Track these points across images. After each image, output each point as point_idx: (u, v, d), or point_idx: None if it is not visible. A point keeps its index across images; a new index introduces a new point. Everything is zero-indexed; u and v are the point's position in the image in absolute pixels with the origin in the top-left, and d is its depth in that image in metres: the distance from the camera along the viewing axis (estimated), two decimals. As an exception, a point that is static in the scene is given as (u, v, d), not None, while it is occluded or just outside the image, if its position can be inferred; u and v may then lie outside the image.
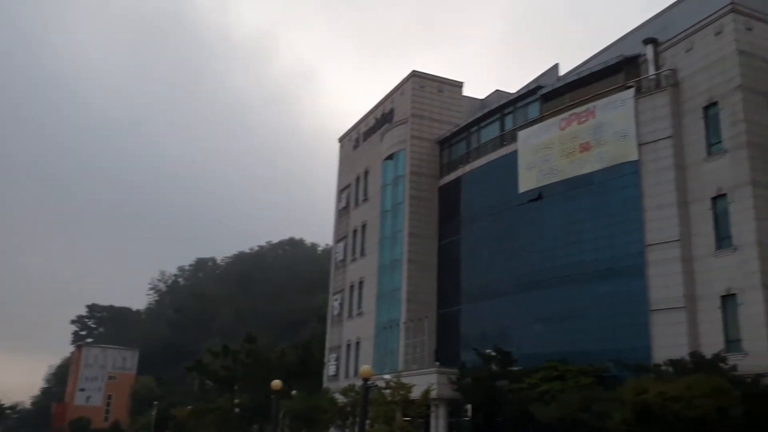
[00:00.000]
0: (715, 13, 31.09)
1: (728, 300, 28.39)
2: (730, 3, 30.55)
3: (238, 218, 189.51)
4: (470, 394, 34.27)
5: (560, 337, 34.61)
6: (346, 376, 50.07)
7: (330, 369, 54.11)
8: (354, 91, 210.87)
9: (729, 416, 23.41)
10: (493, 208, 41.59)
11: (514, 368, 33.76)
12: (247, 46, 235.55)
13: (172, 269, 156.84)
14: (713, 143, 30.55)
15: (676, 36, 32.99)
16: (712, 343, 28.02)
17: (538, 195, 37.76)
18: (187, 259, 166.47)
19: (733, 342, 27.90)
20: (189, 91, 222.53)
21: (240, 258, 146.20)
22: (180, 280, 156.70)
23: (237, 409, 56.07)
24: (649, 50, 33.94)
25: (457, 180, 45.51)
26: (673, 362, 26.97)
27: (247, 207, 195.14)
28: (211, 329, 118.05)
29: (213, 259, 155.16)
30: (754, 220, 27.94)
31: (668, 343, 29.31)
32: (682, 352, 27.83)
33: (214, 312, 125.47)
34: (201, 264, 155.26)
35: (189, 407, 64.36)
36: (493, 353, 34.79)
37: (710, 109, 30.88)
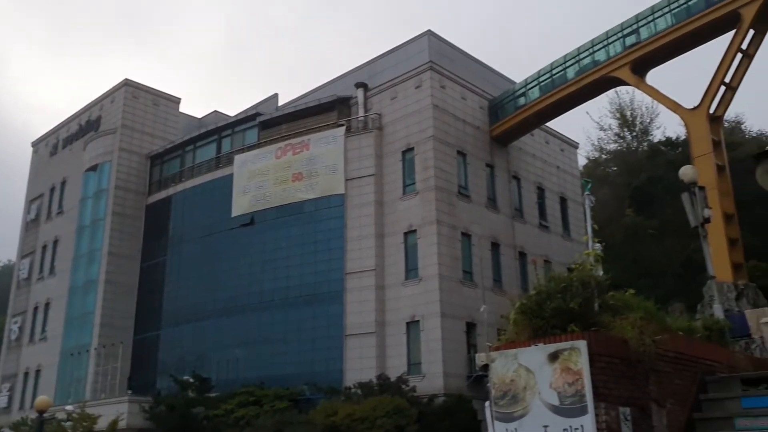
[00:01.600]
0: (417, 68, 34.77)
1: (412, 326, 31.38)
2: (429, 62, 34.43)
3: None
4: (164, 423, 32.68)
5: (261, 362, 34.88)
6: (21, 408, 44.34)
7: (1, 401, 47.49)
8: (44, 89, 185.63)
9: (406, 433, 25.66)
10: (204, 230, 40.70)
11: (212, 394, 33.13)
12: None
13: None
14: (408, 184, 33.88)
15: (383, 84, 36.12)
16: (397, 366, 30.62)
17: (250, 220, 37.94)
18: None
19: (414, 365, 30.81)
20: None
21: None
22: None
23: None
24: (359, 93, 36.64)
25: (168, 199, 43.73)
26: (362, 385, 28.84)
27: None
28: None
29: None
30: (436, 254, 31.44)
31: (360, 366, 31.32)
32: (371, 374, 29.94)
33: None
34: None
35: None
36: (191, 380, 33.76)
37: (407, 153, 34.27)
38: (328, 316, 33.62)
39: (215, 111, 48.86)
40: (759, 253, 35.18)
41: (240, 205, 38.41)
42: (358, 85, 36.79)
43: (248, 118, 41.42)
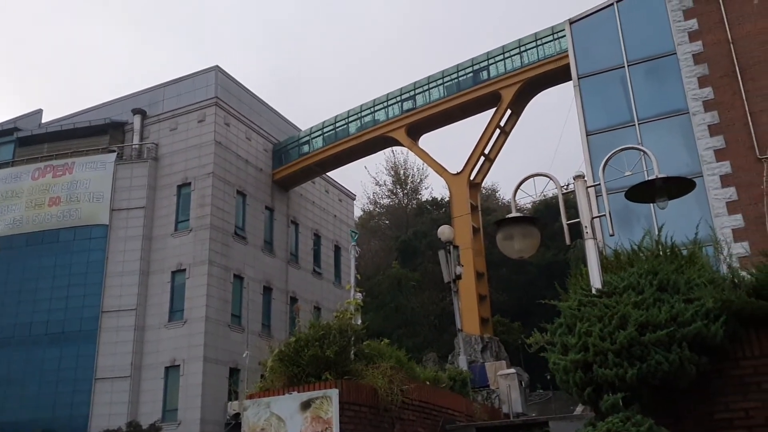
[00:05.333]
0: (202, 101, 33.99)
1: (171, 370, 29.78)
2: (215, 97, 33.87)
3: None
4: None
5: (-9, 407, 30.66)
6: None
7: None
8: None
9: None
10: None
11: None
12: None
13: None
14: (181, 220, 32.58)
15: (164, 113, 34.72)
16: (151, 413, 28.74)
17: (-6, 246, 33.69)
18: None
19: (170, 411, 29.15)
20: None
21: None
22: None
23: None
24: (136, 120, 34.84)
25: None
26: (108, 432, 26.61)
27: None
28: None
29: None
30: (205, 296, 30.39)
31: (108, 411, 28.91)
32: (120, 421, 27.79)
33: None
34: None
35: None
36: None
37: (183, 188, 33.06)
38: (78, 357, 30.72)
39: (-37, 119, 43.23)
40: (503, 309, 39.01)
41: (-16, 228, 34.00)
42: (136, 111, 35.00)
43: (5, 132, 37.22)
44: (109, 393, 29.57)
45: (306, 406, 8.55)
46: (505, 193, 56.89)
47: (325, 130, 37.28)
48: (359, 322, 10.73)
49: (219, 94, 34.20)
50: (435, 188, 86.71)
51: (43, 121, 38.43)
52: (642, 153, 8.63)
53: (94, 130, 35.02)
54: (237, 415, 9.10)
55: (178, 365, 29.66)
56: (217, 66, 34.95)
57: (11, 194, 34.08)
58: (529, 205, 43.76)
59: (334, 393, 8.53)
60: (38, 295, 32.41)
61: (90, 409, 29.33)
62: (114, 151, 34.00)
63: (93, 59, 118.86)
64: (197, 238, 31.69)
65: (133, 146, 34.59)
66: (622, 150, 8.15)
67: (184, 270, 31.39)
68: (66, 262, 32.68)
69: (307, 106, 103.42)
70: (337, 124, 36.97)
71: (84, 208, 32.89)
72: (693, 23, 20.92)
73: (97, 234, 32.62)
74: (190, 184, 32.97)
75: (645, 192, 7.62)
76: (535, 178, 8.93)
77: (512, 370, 16.86)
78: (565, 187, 12.23)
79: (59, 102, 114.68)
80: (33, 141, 35.98)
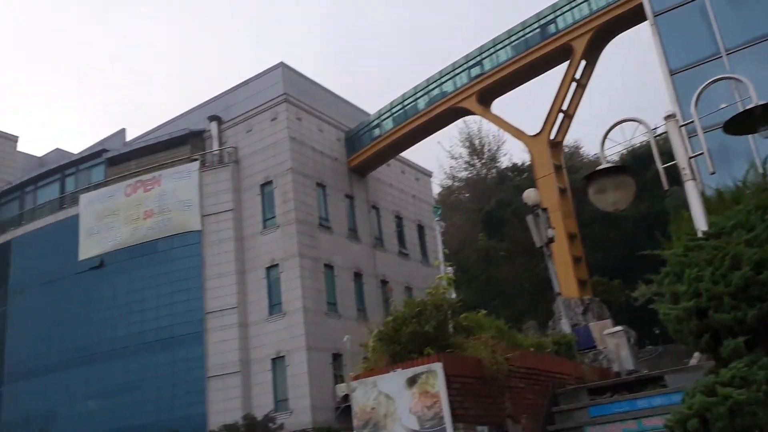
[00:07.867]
0: (271, 100, 34.53)
1: (278, 362, 30.69)
2: (284, 94, 34.32)
3: None
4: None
5: (117, 413, 32.47)
6: None
7: None
8: None
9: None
10: (49, 276, 37.52)
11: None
12: None
13: None
14: (268, 218, 33.35)
15: (237, 116, 35.53)
16: (264, 405, 29.73)
17: (99, 263, 35.61)
18: None
19: (281, 401, 30.08)
20: None
21: None
22: None
23: None
24: (213, 127, 35.80)
25: (7, 244, 40.09)
26: (227, 427, 27.69)
27: None
28: None
29: None
30: (300, 288, 31.06)
31: (224, 408, 30.08)
32: (236, 415, 28.83)
33: None
34: None
35: None
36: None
37: (266, 187, 33.79)
38: (188, 359, 32.11)
39: (57, 149, 45.75)
40: (600, 268, 37.89)
41: (88, 248, 35.97)
42: (212, 118, 35.96)
43: (94, 155, 39.14)
44: (223, 389, 30.78)
45: (412, 381, 8.54)
46: (589, 150, 54.89)
47: (393, 110, 37.13)
48: (453, 296, 10.63)
49: (287, 90, 34.64)
50: (514, 153, 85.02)
51: (127, 139, 40.15)
52: (735, 83, 8.07)
53: (175, 142, 36.26)
54: (346, 398, 9.19)
55: (284, 356, 30.51)
56: (282, 62, 35.39)
57: (109, 213, 35.81)
58: (616, 157, 42.12)
59: (438, 367, 8.48)
60: (145, 304, 34.03)
61: (206, 407, 30.64)
62: (196, 159, 35.10)
63: (155, 69, 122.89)
64: (285, 234, 32.37)
65: (214, 152, 35.59)
66: (715, 81, 7.63)
67: (277, 265, 32.17)
68: (166, 270, 34.12)
69: (372, 88, 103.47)
70: (405, 103, 36.72)
71: (176, 217, 34.17)
72: (773, -61, 19.40)
73: (192, 240, 33.85)
74: (271, 182, 33.65)
75: (744, 123, 7.12)
76: (621, 126, 8.52)
77: (619, 328, 16.33)
78: (654, 130, 11.59)
79: (132, 117, 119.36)
80: (121, 159, 37.62)
